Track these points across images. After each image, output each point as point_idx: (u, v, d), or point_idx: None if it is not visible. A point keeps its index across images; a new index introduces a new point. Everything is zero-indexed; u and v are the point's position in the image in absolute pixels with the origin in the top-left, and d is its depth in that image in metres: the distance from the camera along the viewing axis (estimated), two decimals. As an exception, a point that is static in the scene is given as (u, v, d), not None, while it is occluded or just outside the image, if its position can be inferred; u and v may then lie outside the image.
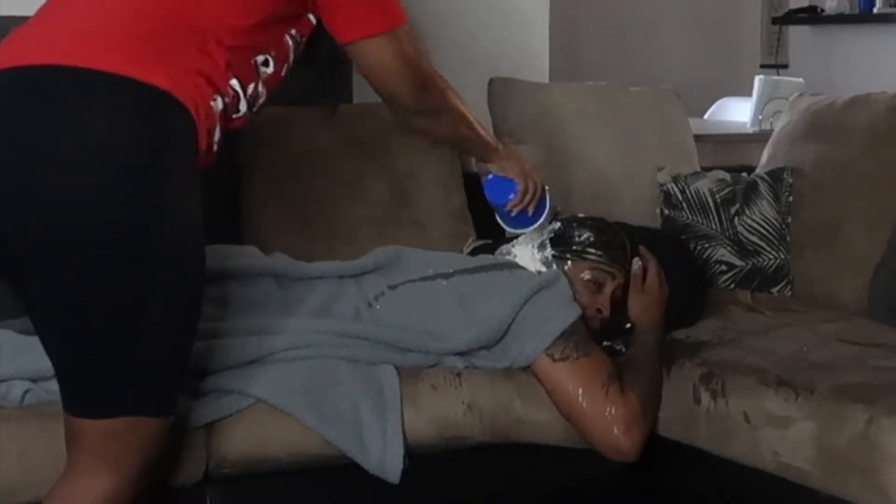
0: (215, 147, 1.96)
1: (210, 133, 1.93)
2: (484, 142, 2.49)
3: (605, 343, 2.56)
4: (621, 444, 2.36)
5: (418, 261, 2.58)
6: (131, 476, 1.90)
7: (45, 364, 2.22)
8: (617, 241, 2.63)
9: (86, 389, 1.88)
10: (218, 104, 1.94)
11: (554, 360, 2.39)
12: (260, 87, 2.04)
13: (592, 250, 2.58)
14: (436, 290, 2.48)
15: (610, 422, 2.35)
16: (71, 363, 1.88)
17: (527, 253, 2.60)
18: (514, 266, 2.57)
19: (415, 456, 2.30)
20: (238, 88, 1.98)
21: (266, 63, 2.04)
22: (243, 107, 2.01)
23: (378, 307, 2.47)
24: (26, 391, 2.19)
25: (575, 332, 2.42)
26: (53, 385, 2.19)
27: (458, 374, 2.41)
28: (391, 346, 2.41)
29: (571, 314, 2.44)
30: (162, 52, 1.87)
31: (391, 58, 2.10)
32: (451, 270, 2.52)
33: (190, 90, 1.87)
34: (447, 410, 2.37)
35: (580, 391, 2.37)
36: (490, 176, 2.57)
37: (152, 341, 1.85)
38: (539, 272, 2.55)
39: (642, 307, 2.57)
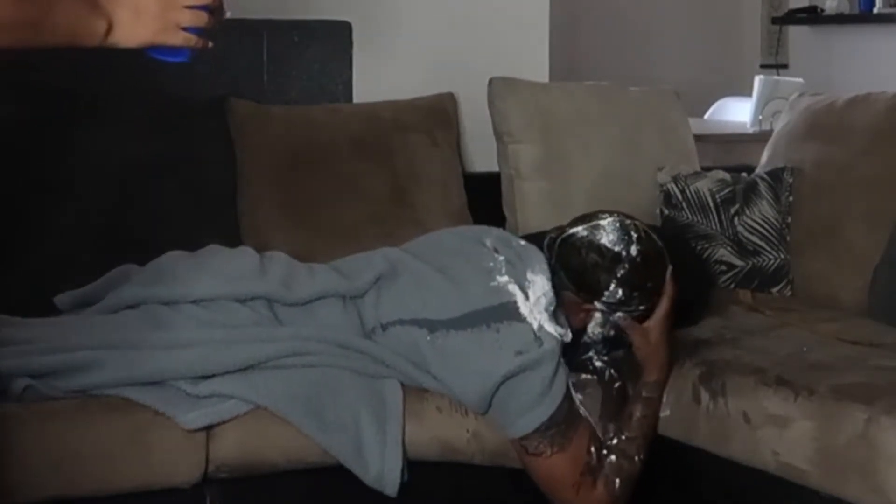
0: None
1: None
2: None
3: (589, 355, 2.44)
4: None
5: (410, 283, 2.41)
6: None
7: (46, 361, 2.22)
8: (646, 295, 2.43)
9: None
10: None
11: (528, 453, 2.31)
12: None
13: (621, 307, 2.41)
14: (421, 345, 2.34)
15: None
16: None
17: (539, 286, 2.36)
18: (510, 317, 2.32)
19: (414, 464, 2.29)
20: None
21: None
22: None
23: (376, 340, 2.39)
24: (26, 387, 2.19)
25: (553, 423, 2.29)
26: (54, 381, 2.21)
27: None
28: (395, 369, 2.36)
29: (550, 406, 2.28)
30: None
31: None
32: (437, 319, 2.34)
33: None
34: (450, 435, 2.35)
35: (550, 488, 2.33)
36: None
37: None
38: (536, 329, 2.31)
39: (649, 343, 2.42)
